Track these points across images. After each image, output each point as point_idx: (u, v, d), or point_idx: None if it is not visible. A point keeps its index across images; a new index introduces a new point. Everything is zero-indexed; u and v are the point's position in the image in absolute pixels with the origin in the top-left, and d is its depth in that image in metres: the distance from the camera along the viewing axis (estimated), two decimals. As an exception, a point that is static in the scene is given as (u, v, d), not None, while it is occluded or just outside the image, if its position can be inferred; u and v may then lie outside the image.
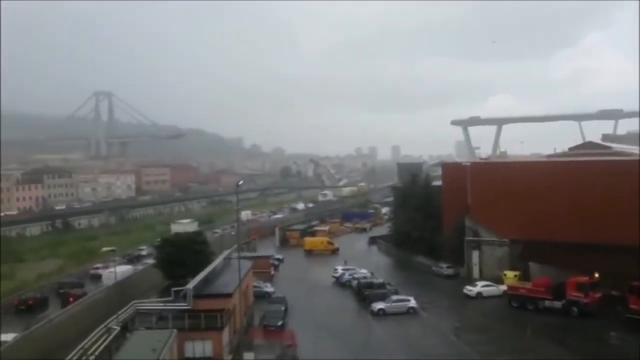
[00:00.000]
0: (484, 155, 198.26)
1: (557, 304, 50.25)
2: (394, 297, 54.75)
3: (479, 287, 58.84)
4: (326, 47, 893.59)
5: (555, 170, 65.34)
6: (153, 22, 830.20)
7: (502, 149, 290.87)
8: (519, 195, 63.22)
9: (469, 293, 58.42)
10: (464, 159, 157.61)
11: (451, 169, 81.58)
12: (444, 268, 69.33)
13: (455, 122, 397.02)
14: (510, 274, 59.86)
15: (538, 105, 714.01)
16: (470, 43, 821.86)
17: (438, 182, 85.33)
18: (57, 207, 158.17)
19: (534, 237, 59.58)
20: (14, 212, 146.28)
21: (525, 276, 58.99)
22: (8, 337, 40.76)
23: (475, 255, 67.73)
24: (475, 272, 67.04)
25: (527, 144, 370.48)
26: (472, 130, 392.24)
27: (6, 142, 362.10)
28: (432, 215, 77.12)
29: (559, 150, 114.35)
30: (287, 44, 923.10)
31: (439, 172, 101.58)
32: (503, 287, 57.85)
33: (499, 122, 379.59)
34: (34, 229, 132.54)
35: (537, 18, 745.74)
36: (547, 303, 50.85)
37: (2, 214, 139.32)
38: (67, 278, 73.28)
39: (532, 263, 60.00)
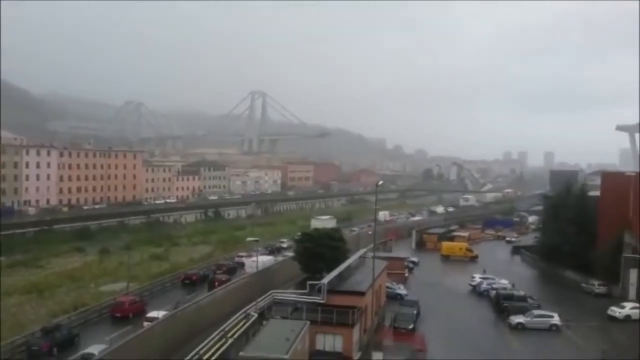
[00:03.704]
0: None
1: None
2: (536, 312, 51.19)
3: (628, 309, 52.87)
4: (476, 47, 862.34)
5: None
6: (306, 25, 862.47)
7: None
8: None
9: (615, 315, 52.62)
10: (628, 168, 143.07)
11: (612, 179, 74.81)
12: (596, 286, 63.41)
13: (621, 128, 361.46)
14: (673, 297, 53.09)
15: None
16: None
17: (595, 193, 78.51)
18: (211, 198, 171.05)
19: None
20: (174, 200, 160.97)
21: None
22: (159, 314, 44.71)
23: (633, 274, 61.02)
24: (632, 292, 60.37)
25: None
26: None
27: (171, 137, 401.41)
28: (586, 228, 70.99)
29: None
30: (435, 45, 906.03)
31: (597, 181, 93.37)
32: None
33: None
34: (189, 217, 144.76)
35: None
36: None
37: (163, 201, 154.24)
38: (224, 261, 79.13)
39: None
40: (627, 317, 52.12)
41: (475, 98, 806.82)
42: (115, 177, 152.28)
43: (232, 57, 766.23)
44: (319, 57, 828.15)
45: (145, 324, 42.71)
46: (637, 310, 52.86)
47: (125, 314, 49.58)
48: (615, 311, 53.09)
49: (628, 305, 53.86)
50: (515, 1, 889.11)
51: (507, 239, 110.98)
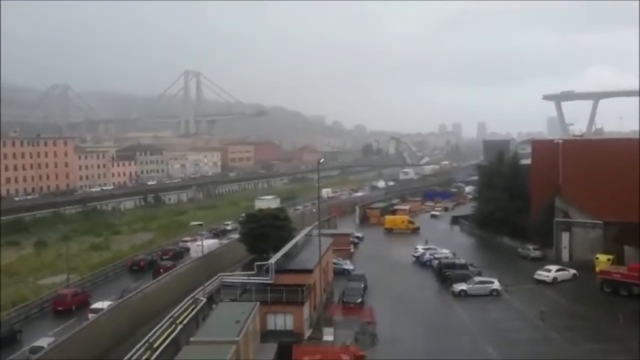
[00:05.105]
0: (578, 133, 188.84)
1: (655, 291, 47.17)
2: (477, 279, 53.39)
3: (554, 271, 55.79)
4: (412, 22, 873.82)
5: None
6: (240, 4, 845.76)
7: (599, 126, 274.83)
8: (615, 174, 59.76)
9: (543, 278, 55.27)
10: (556, 136, 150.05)
11: (541, 147, 78.25)
12: (531, 250, 66.67)
13: (547, 97, 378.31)
14: (603, 257, 56.48)
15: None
16: (566, 14, 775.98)
17: (527, 161, 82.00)
18: (149, 183, 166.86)
19: (630, 219, 55.81)
20: (110, 187, 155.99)
21: (619, 260, 55.49)
22: (104, 305, 43.61)
23: (565, 237, 64.58)
24: (565, 255, 64.03)
25: (627, 120, 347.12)
26: (566, 105, 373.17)
27: (103, 121, 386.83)
28: (519, 195, 74.31)
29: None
30: (371, 22, 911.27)
31: (528, 150, 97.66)
32: (573, 271, 55.99)
33: (596, 97, 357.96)
34: (127, 203, 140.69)
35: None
36: (643, 289, 47.82)
37: (100, 189, 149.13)
38: (169, 246, 77.92)
39: (628, 247, 56.29)
40: (555, 280, 54.99)
41: (410, 73, 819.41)
42: (47, 165, 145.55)
43: (162, 37, 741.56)
44: (254, 35, 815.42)
45: (90, 315, 41.67)
46: (562, 272, 55.95)
47: (68, 307, 48.22)
48: (542, 275, 55.75)
49: (553, 268, 56.78)
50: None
51: (432, 213, 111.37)
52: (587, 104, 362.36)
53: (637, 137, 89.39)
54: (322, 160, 70.54)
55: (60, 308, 48.07)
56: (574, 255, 63.17)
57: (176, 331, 36.15)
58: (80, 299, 49.89)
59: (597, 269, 54.30)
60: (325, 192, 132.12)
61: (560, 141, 70.27)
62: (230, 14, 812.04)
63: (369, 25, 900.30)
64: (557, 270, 56.07)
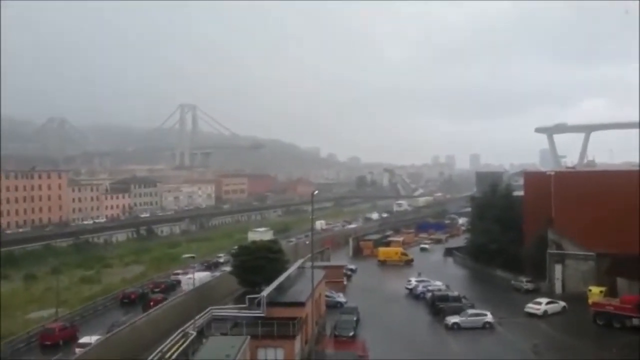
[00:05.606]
0: (570, 164, 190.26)
1: (647, 323, 46.97)
2: (470, 311, 52.98)
3: (544, 304, 55.35)
4: (406, 56, 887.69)
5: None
6: (233, 37, 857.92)
7: (590, 158, 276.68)
8: (607, 206, 59.92)
9: (533, 312, 54.77)
10: (548, 168, 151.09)
11: (534, 179, 78.78)
12: (524, 282, 66.37)
13: (539, 130, 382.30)
14: (595, 289, 56.25)
15: (629, 110, 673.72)
16: (560, 46, 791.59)
17: (519, 193, 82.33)
18: (142, 215, 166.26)
19: (623, 251, 55.87)
20: (103, 220, 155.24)
21: (611, 292, 55.33)
22: (92, 339, 42.95)
23: (558, 269, 64.43)
24: (558, 287, 63.77)
25: (618, 152, 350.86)
26: (558, 138, 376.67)
27: (98, 153, 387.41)
28: (512, 227, 74.29)
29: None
30: (365, 54, 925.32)
31: (520, 181, 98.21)
32: (563, 303, 55.74)
33: (587, 129, 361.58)
34: (120, 236, 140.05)
35: (629, 22, 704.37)
36: (636, 321, 47.66)
37: (92, 222, 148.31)
38: (161, 279, 77.20)
39: (620, 279, 56.21)
40: (545, 312, 54.56)
41: (405, 106, 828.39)
42: (40, 198, 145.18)
43: (159, 70, 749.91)
44: (250, 69, 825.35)
45: (77, 350, 41.02)
46: (553, 305, 55.63)
47: (55, 341, 47.41)
48: (533, 308, 55.30)
49: (544, 300, 56.42)
50: (440, 5, 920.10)
51: (422, 246, 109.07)
52: (579, 137, 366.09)
53: (628, 169, 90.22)
54: (316, 192, 70.72)
55: (47, 342, 47.27)
56: (567, 287, 62.90)
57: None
58: (68, 333, 49.05)
59: (590, 301, 54.05)
60: (319, 224, 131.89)
61: (553, 173, 70.72)
62: (227, 47, 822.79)
63: (364, 59, 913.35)
64: (548, 303, 55.77)
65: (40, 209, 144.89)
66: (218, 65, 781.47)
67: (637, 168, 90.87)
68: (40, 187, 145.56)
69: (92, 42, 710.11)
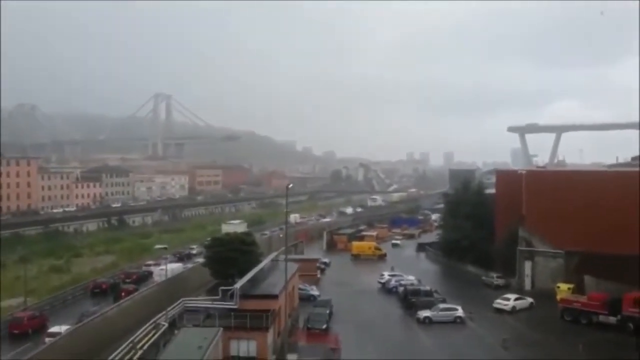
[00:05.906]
0: (541, 164, 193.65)
1: (612, 319, 48.18)
2: (441, 306, 53.67)
3: (512, 300, 56.25)
4: (381, 50, 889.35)
5: (616, 180, 63.12)
6: (209, 28, 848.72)
7: (561, 158, 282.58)
8: (576, 205, 61.09)
9: (502, 307, 55.60)
10: (519, 167, 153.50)
11: (505, 177, 79.72)
12: (495, 278, 67.48)
13: (512, 129, 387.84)
14: (564, 286, 57.57)
15: (600, 112, 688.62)
16: (533, 47, 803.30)
17: (491, 190, 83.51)
18: (114, 205, 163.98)
19: (591, 249, 57.21)
20: (73, 209, 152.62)
21: (579, 289, 56.65)
22: (62, 329, 42.33)
23: (527, 266, 65.64)
24: (527, 283, 64.98)
25: (587, 153, 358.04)
26: (530, 137, 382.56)
27: (69, 142, 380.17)
28: (483, 224, 75.43)
29: (621, 160, 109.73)
30: (341, 48, 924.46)
31: (492, 179, 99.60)
32: (530, 300, 56.70)
33: (558, 130, 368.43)
34: (90, 225, 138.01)
35: (603, 24, 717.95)
36: (602, 318, 48.85)
37: (62, 210, 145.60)
38: (133, 269, 76.45)
39: (588, 276, 57.58)
40: (514, 308, 55.46)
41: (380, 101, 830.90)
42: (8, 185, 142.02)
43: (134, 58, 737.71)
44: (226, 60, 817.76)
45: (47, 339, 40.40)
46: (521, 301, 56.62)
47: (24, 331, 46.79)
48: (502, 303, 56.12)
49: (512, 296, 57.33)
50: (415, 4, 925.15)
51: (393, 241, 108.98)
52: (550, 137, 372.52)
53: (597, 169, 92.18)
54: (290, 186, 70.59)
55: (16, 331, 46.65)
56: (536, 283, 64.10)
57: (136, 357, 35.27)
58: (37, 322, 48.45)
59: (558, 298, 55.31)
60: (294, 217, 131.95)
61: (524, 172, 71.67)
62: (203, 38, 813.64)
63: (339, 54, 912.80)
64: (516, 299, 56.78)
65: (9, 197, 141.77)
66: (193, 56, 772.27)
67: (606, 168, 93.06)
68: (8, 174, 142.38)
69: (64, 29, 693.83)
